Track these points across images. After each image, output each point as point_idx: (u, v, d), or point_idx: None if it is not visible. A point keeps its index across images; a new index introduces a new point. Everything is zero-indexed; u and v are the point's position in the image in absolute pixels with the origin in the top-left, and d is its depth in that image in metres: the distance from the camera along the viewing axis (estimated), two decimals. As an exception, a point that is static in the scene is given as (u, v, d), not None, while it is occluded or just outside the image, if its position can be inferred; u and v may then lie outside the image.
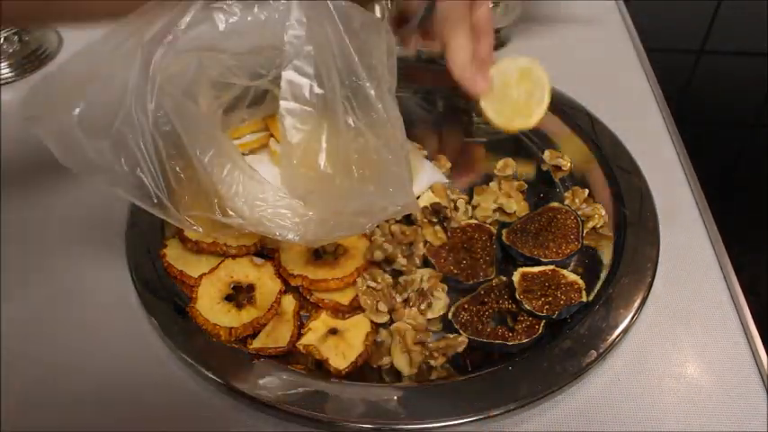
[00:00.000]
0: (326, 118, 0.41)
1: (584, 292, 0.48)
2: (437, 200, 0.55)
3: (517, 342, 0.45)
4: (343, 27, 0.39)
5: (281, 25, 0.39)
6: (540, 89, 0.56)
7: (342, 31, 0.39)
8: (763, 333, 0.47)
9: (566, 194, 0.57)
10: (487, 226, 0.53)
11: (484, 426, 0.42)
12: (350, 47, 0.39)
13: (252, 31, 0.40)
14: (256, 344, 0.45)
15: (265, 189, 0.42)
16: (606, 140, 0.61)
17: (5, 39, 0.73)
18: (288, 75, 0.40)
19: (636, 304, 0.47)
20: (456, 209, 0.55)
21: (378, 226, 0.53)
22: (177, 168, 0.41)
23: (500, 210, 0.55)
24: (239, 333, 0.45)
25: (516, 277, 0.49)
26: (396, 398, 0.42)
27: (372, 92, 0.41)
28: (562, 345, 0.45)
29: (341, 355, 0.44)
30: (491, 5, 0.56)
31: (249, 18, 0.39)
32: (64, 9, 0.39)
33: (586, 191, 0.56)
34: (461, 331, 0.46)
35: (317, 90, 0.40)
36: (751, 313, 0.48)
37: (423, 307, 0.47)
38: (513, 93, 0.56)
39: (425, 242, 0.52)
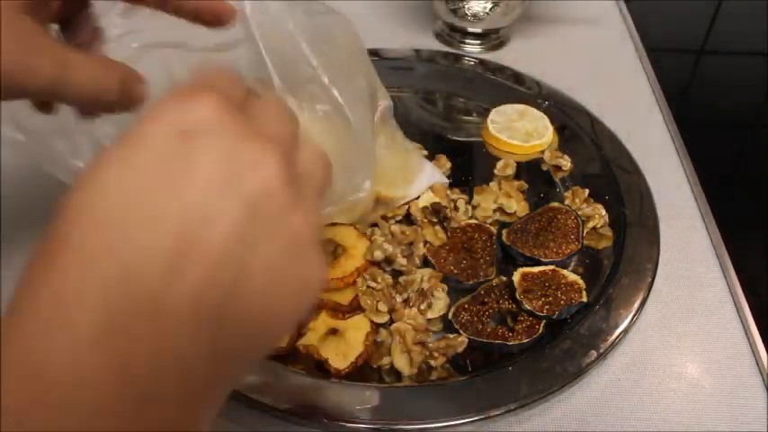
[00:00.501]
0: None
1: (584, 292, 0.48)
2: (437, 200, 0.55)
3: (517, 342, 0.45)
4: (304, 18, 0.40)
5: (246, 20, 0.40)
6: (542, 119, 0.63)
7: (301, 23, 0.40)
8: (763, 333, 0.47)
9: (566, 194, 0.57)
10: (487, 226, 0.53)
11: (484, 426, 0.42)
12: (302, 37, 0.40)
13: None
14: (256, 344, 0.45)
15: None
16: (606, 140, 0.61)
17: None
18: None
19: (636, 304, 0.47)
20: (456, 209, 0.55)
21: (378, 226, 0.53)
22: None
23: (500, 210, 0.55)
24: (239, 333, 0.45)
25: (516, 277, 0.48)
26: (396, 398, 0.42)
27: (326, 79, 0.41)
28: (562, 345, 0.45)
29: (341, 355, 0.44)
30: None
31: None
32: None
33: (587, 191, 0.56)
34: (461, 331, 0.46)
35: (278, 83, 0.41)
36: (751, 313, 0.48)
37: (423, 307, 0.47)
38: (518, 125, 0.62)
39: (425, 242, 0.52)
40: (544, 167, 0.60)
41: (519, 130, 0.62)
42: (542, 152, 0.61)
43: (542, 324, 0.46)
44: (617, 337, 0.45)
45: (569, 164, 0.59)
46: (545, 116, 0.63)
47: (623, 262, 0.50)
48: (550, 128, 0.62)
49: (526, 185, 0.57)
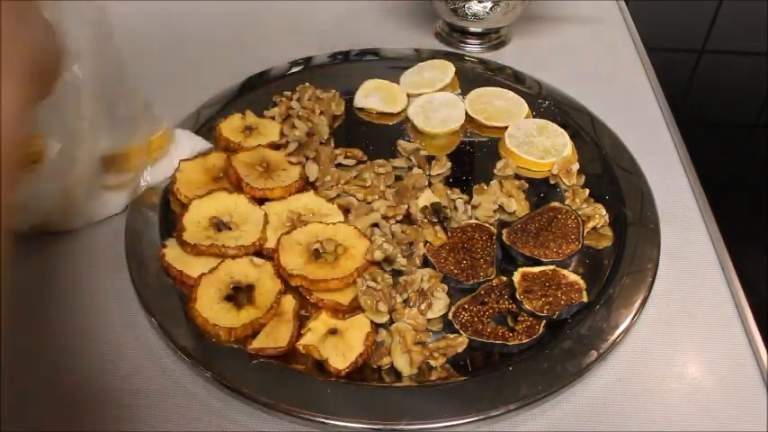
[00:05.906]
0: None
1: (584, 293, 0.48)
2: (437, 199, 0.55)
3: (517, 342, 0.45)
4: None
5: None
6: (561, 135, 0.61)
7: None
8: (763, 333, 0.47)
9: (566, 194, 0.57)
10: (488, 226, 0.53)
11: (484, 426, 0.42)
12: None
13: None
14: (256, 344, 0.45)
15: None
16: (607, 140, 0.61)
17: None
18: None
19: (636, 304, 0.47)
20: (456, 209, 0.55)
21: (378, 226, 0.53)
22: None
23: (500, 209, 0.55)
24: (239, 334, 0.45)
25: (516, 277, 0.48)
26: (396, 398, 0.42)
27: None
28: (563, 345, 0.45)
29: (341, 356, 0.44)
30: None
31: None
32: None
33: (587, 191, 0.56)
34: (461, 331, 0.46)
35: None
36: (752, 313, 0.48)
37: (423, 307, 0.47)
38: (536, 141, 0.61)
39: (425, 242, 0.52)
40: (552, 181, 0.59)
41: (536, 146, 0.60)
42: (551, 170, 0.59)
43: (542, 324, 0.46)
44: (617, 337, 0.45)
45: (574, 178, 0.58)
46: (565, 132, 0.61)
47: (624, 262, 0.50)
48: (569, 144, 0.60)
49: (527, 185, 0.57)
